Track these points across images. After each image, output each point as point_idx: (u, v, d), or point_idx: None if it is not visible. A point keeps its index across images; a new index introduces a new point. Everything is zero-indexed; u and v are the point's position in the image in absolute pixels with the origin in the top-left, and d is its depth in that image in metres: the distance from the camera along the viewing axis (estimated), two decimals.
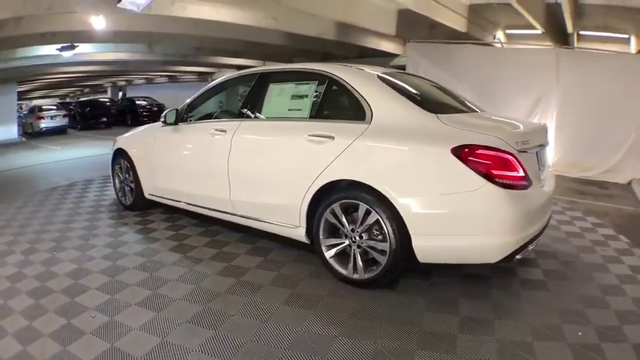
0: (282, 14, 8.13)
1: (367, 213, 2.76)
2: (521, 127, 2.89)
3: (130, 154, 4.53)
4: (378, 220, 2.72)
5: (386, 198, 2.65)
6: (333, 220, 2.93)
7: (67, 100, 25.95)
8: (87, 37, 8.44)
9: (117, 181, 4.87)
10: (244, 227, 3.65)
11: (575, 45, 8.67)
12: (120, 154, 4.72)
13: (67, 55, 9.60)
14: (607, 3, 6.36)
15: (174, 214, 4.47)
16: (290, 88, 3.36)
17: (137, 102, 20.51)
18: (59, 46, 9.19)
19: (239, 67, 17.68)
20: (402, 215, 2.62)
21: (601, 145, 6.31)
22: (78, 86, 28.84)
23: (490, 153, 2.46)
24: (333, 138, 2.89)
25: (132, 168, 4.53)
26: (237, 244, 3.65)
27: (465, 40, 7.99)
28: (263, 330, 2.40)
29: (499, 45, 9.21)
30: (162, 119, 4.09)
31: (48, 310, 2.60)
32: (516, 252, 2.57)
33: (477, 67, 6.89)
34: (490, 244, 2.52)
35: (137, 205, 4.63)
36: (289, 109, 3.29)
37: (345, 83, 3.04)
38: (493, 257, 2.55)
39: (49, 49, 9.45)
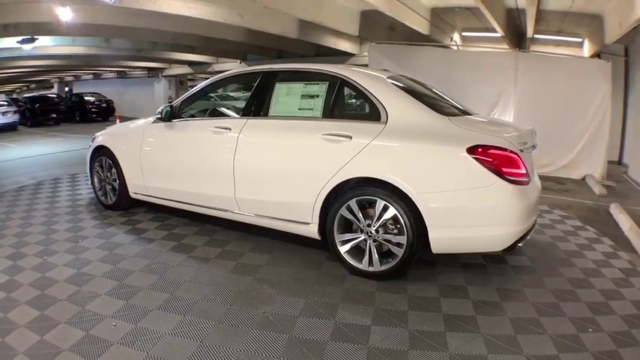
0: (249, 11, 7.82)
1: (385, 208, 2.75)
2: (519, 129, 3.00)
3: (114, 151, 4.09)
4: (395, 214, 2.71)
5: (405, 194, 2.66)
6: (349, 216, 2.87)
7: (14, 96, 23.12)
8: (49, 29, 7.52)
9: (96, 179, 4.38)
10: (241, 226, 3.47)
11: (530, 48, 9.03)
12: (100, 152, 4.25)
13: (27, 47, 8.54)
14: (566, 9, 6.64)
15: (159, 213, 4.11)
16: (299, 87, 3.20)
17: (86, 98, 18.78)
18: (20, 38, 8.10)
19: (190, 63, 16.86)
20: (420, 210, 2.64)
21: (557, 144, 6.39)
22: (25, 82, 25.88)
23: (500, 152, 2.57)
24: (350, 137, 2.83)
25: (115, 166, 4.09)
26: (238, 243, 3.44)
27: (423, 43, 8.11)
28: (301, 324, 2.27)
29: (455, 47, 9.48)
30: (159, 115, 3.72)
31: (58, 322, 2.25)
32: (518, 240, 2.71)
33: (438, 68, 6.85)
34: (499, 234, 2.64)
35: (120, 205, 4.21)
36: (300, 109, 3.14)
37: (357, 85, 2.99)
38: (500, 245, 2.68)
39: (9, 42, 8.30)
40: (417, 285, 2.76)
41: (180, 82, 20.00)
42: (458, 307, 2.48)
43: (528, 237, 2.87)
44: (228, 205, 3.36)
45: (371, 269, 2.83)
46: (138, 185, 3.98)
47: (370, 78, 3.06)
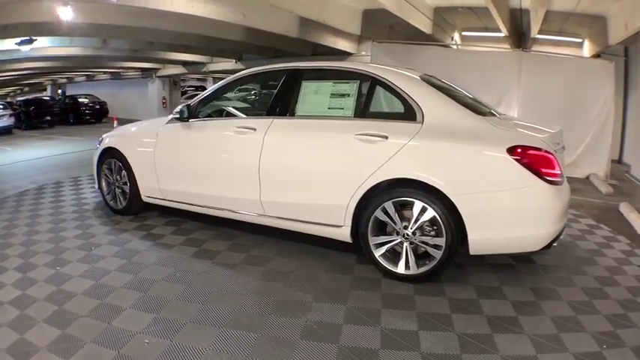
0: (252, 10, 7.58)
1: (423, 210, 2.60)
2: (550, 130, 2.86)
3: (125, 153, 3.82)
4: (434, 216, 2.56)
5: (444, 195, 2.53)
6: (385, 218, 2.70)
7: (8, 99, 22.36)
8: (49, 30, 7.15)
9: (104, 183, 4.11)
10: (261, 229, 3.27)
11: (530, 47, 8.92)
12: (109, 154, 3.98)
13: (26, 49, 8.15)
14: (571, 10, 6.57)
15: (173, 216, 3.87)
16: (327, 86, 2.99)
17: (79, 100, 18.24)
18: (18, 40, 7.71)
19: (185, 63, 16.46)
20: (460, 211, 2.52)
21: None
22: (19, 85, 25.11)
23: (539, 153, 2.48)
24: (386, 137, 2.66)
25: (126, 168, 3.83)
26: (262, 247, 3.21)
27: (424, 42, 7.98)
28: (348, 332, 2.08)
29: (455, 47, 9.36)
30: (177, 115, 3.47)
31: (84, 341, 2.00)
32: (554, 240, 2.63)
33: (441, 67, 6.71)
34: (537, 234, 2.55)
35: (131, 209, 3.94)
36: (329, 108, 2.94)
37: (391, 84, 2.83)
38: (538, 245, 2.58)
39: (7, 44, 7.90)
40: (452, 287, 2.66)
41: (174, 82, 19.56)
42: (498, 308, 2.43)
43: (562, 236, 2.78)
44: (253, 208, 3.14)
45: (407, 272, 2.67)
46: (151, 189, 3.73)
47: (404, 77, 2.90)
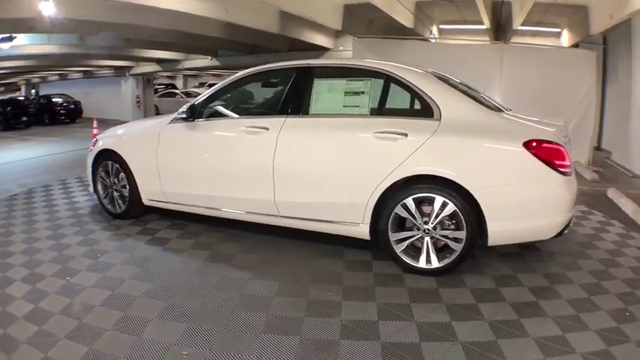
0: (234, 6, 7.40)
1: (444, 205, 2.61)
2: (557, 123, 2.92)
3: (124, 155, 3.64)
4: (455, 210, 2.58)
5: (464, 189, 2.55)
6: (405, 215, 2.68)
7: None
8: (29, 26, 6.72)
9: (100, 186, 3.91)
10: (270, 229, 3.20)
11: (510, 39, 9.02)
12: (106, 156, 3.79)
13: (5, 47, 7.64)
14: (553, 1, 6.59)
15: (175, 219, 3.73)
16: (341, 84, 2.94)
17: (53, 100, 17.35)
18: None
19: (159, 61, 15.95)
20: (480, 204, 2.55)
21: None
22: None
23: (551, 146, 2.55)
24: (406, 135, 2.64)
25: (125, 171, 3.65)
26: (272, 249, 3.12)
27: (404, 36, 7.89)
28: (385, 328, 2.04)
29: (433, 40, 9.37)
30: (183, 115, 3.32)
31: (116, 357, 1.89)
32: (565, 228, 2.71)
33: (423, 61, 6.68)
34: (551, 223, 2.63)
35: (130, 213, 3.77)
36: (344, 106, 2.89)
37: (406, 81, 2.81)
38: (552, 233, 2.66)
39: None
40: (471, 277, 2.72)
41: (147, 80, 18.86)
42: (518, 295, 2.50)
43: (571, 224, 2.86)
44: (266, 209, 3.06)
45: (429, 266, 2.69)
46: (153, 192, 3.57)
47: (418, 74, 2.89)
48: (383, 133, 2.68)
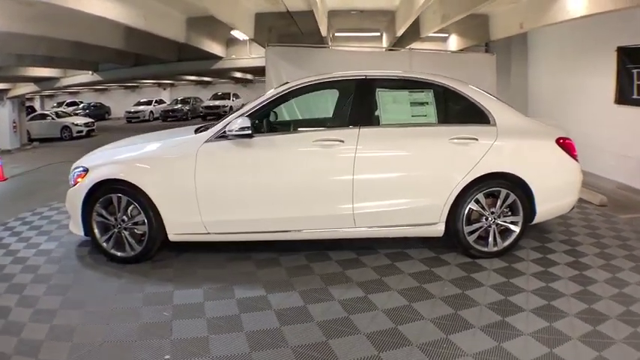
0: (152, 14, 6.59)
1: (507, 196, 2.98)
2: (555, 123, 3.55)
3: (139, 184, 2.91)
4: (515, 199, 2.97)
5: (523, 181, 2.96)
6: (477, 208, 2.96)
7: None
8: None
9: (97, 227, 3.04)
10: (305, 245, 3.10)
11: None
12: (104, 189, 2.99)
13: None
14: (446, 13, 6.88)
15: (183, 251, 3.19)
16: (404, 95, 3.05)
17: None
18: None
19: (36, 80, 12.82)
20: (533, 192, 2.99)
21: None
22: None
23: (569, 141, 3.16)
24: (476, 139, 2.92)
25: (139, 203, 2.94)
26: (336, 260, 3.02)
27: (316, 45, 7.80)
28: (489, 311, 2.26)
29: (329, 47, 9.45)
30: (232, 132, 2.83)
31: None
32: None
33: (336, 69, 6.70)
34: (570, 201, 3.22)
35: (150, 253, 3.07)
36: (413, 115, 2.99)
37: (461, 93, 3.10)
38: (568, 209, 3.27)
39: None
40: (508, 260, 2.96)
41: (22, 103, 14.95)
42: (563, 271, 2.83)
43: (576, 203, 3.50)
44: (342, 223, 2.93)
45: (495, 249, 3.03)
46: (187, 223, 2.98)
47: (469, 86, 3.20)
48: (459, 139, 2.89)
